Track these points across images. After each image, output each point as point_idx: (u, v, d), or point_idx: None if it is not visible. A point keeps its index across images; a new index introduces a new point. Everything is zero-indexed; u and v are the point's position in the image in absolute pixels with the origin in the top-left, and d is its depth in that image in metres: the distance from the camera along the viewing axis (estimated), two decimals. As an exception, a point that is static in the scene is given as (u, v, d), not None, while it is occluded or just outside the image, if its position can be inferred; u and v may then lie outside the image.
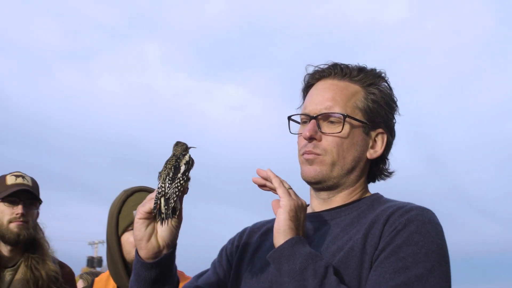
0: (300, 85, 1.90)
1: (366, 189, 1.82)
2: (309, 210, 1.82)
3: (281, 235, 1.58)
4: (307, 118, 1.77)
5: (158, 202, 1.59)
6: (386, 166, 1.84)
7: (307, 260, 1.52)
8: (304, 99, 1.86)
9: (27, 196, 3.21)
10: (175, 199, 1.58)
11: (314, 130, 1.73)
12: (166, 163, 1.65)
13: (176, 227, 1.63)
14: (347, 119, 1.72)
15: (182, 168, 1.62)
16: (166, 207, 1.58)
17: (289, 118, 1.83)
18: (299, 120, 1.83)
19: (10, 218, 3.15)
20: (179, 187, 1.59)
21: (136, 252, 1.64)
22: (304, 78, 1.87)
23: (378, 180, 1.86)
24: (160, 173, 1.64)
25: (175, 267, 1.69)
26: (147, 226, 1.61)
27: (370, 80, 1.79)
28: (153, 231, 1.61)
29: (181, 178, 1.61)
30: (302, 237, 1.60)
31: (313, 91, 1.81)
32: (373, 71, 1.82)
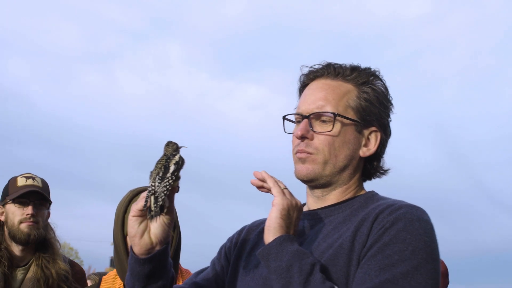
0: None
1: (360, 187, 1.84)
2: (305, 208, 1.85)
3: (271, 233, 1.62)
4: (300, 117, 1.80)
5: (148, 200, 1.65)
6: (381, 164, 1.86)
7: (294, 257, 1.56)
8: (299, 100, 1.89)
9: (37, 197, 3.29)
10: (163, 197, 1.63)
11: (306, 129, 1.76)
12: (156, 163, 1.70)
13: (168, 224, 1.68)
14: (338, 117, 1.75)
15: (172, 167, 1.67)
16: (155, 205, 1.64)
17: (284, 117, 1.86)
18: (294, 120, 1.87)
19: (21, 219, 3.24)
20: (168, 186, 1.64)
21: (131, 248, 1.69)
22: (300, 78, 1.90)
23: (374, 178, 1.88)
24: (151, 172, 1.69)
25: (170, 263, 1.73)
26: (140, 223, 1.66)
27: (363, 79, 1.81)
28: (146, 228, 1.66)
29: (169, 178, 1.65)
30: (292, 235, 1.63)
31: (306, 91, 1.84)
32: (366, 70, 1.84)
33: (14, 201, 3.26)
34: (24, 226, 3.23)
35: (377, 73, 1.85)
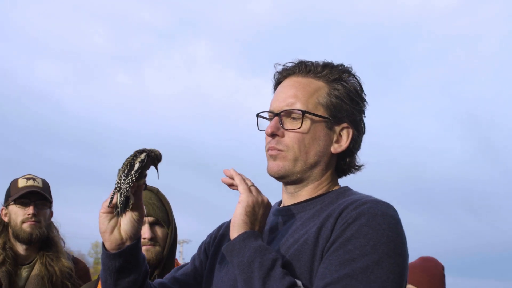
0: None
1: (334, 183, 1.85)
2: (282, 205, 1.89)
3: (235, 229, 1.66)
4: (272, 115, 1.83)
5: (114, 197, 1.71)
6: (355, 160, 1.87)
7: (255, 253, 1.59)
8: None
9: (38, 197, 3.39)
10: (125, 193, 1.69)
11: (276, 126, 1.78)
12: (124, 161, 1.75)
13: (137, 221, 1.74)
14: (307, 115, 1.76)
15: (136, 165, 1.72)
16: (120, 202, 1.70)
17: (258, 115, 1.89)
18: (267, 117, 1.89)
19: (23, 219, 3.35)
20: (130, 183, 1.70)
21: (102, 243, 1.75)
22: (274, 76, 1.92)
23: (348, 174, 1.89)
24: (118, 170, 1.75)
25: (143, 258, 1.78)
26: (110, 219, 1.72)
27: (335, 75, 1.82)
28: (116, 224, 1.72)
29: (133, 175, 1.71)
30: (256, 232, 1.66)
31: (278, 88, 1.86)
32: (338, 66, 1.85)
33: (16, 201, 3.37)
34: (26, 226, 3.34)
35: (350, 69, 1.85)
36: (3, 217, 3.44)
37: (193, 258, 2.01)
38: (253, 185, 1.73)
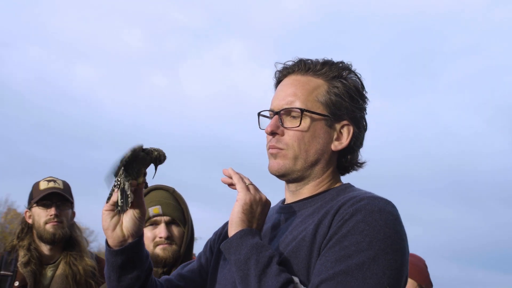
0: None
1: (335, 180, 1.85)
2: (285, 202, 1.90)
3: (233, 227, 1.68)
4: (273, 113, 1.83)
5: (114, 196, 1.75)
6: (356, 157, 1.86)
7: (252, 250, 1.60)
8: None
9: (59, 198, 3.49)
10: (128, 193, 1.73)
11: (276, 125, 1.79)
12: (121, 161, 1.76)
13: (138, 218, 1.77)
14: (306, 113, 1.76)
15: (136, 164, 1.75)
16: (121, 200, 1.74)
17: (259, 114, 1.90)
18: (269, 116, 1.90)
19: (46, 220, 3.45)
20: (129, 182, 1.74)
21: (106, 240, 1.79)
22: (275, 74, 1.93)
23: (350, 171, 1.89)
24: (116, 168, 1.76)
25: (146, 255, 1.81)
26: (112, 217, 1.77)
27: (334, 73, 1.82)
28: (118, 222, 1.77)
29: (133, 174, 1.75)
30: (254, 229, 1.68)
31: (278, 87, 1.87)
32: (338, 64, 1.84)
33: (38, 203, 3.47)
34: (49, 226, 3.44)
35: (350, 66, 1.85)
36: (27, 219, 3.55)
37: (199, 256, 2.04)
38: (251, 184, 1.74)
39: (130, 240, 1.77)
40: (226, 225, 2.03)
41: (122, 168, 1.73)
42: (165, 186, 3.04)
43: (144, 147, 1.79)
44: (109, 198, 1.76)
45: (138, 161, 1.75)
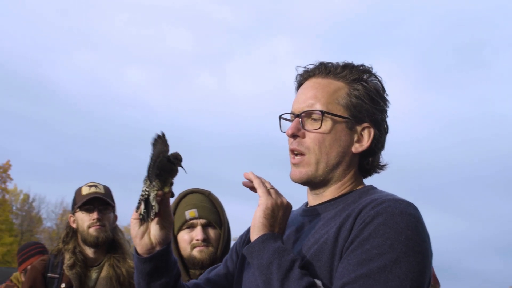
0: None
1: (358, 182, 1.85)
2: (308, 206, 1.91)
3: (255, 231, 1.70)
4: (294, 116, 1.84)
5: (140, 205, 1.78)
6: (378, 159, 1.86)
7: (274, 254, 1.61)
8: None
9: (100, 202, 3.61)
10: (153, 204, 1.76)
11: (297, 127, 1.80)
12: (150, 168, 1.77)
13: (166, 227, 1.80)
14: (327, 115, 1.77)
15: (162, 174, 1.76)
16: (144, 210, 1.76)
17: (280, 117, 1.91)
18: (290, 119, 1.91)
19: (89, 224, 3.57)
20: (156, 192, 1.75)
21: (134, 248, 1.83)
22: (296, 78, 1.94)
23: (372, 174, 1.89)
24: (145, 177, 1.78)
25: (173, 261, 1.84)
26: (140, 225, 1.80)
27: (354, 76, 1.82)
28: (146, 230, 1.80)
29: (158, 184, 1.75)
30: (276, 233, 1.69)
31: (299, 90, 1.89)
32: (358, 67, 1.85)
33: (81, 208, 3.59)
34: (92, 230, 3.56)
35: (370, 69, 1.85)
36: (71, 224, 3.68)
37: (226, 260, 2.06)
38: (272, 188, 1.75)
39: (158, 248, 1.79)
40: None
41: (149, 177, 1.76)
42: (201, 189, 3.10)
43: (169, 154, 1.79)
44: (137, 207, 1.79)
45: (166, 171, 1.76)
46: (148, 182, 1.77)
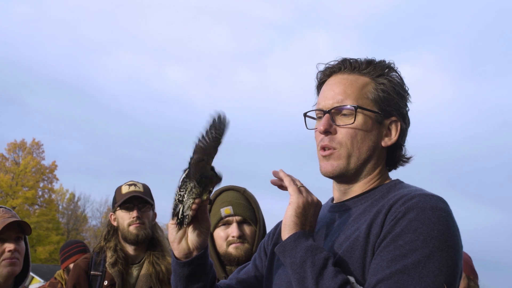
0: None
1: (385, 176, 1.86)
2: (334, 201, 1.91)
3: (286, 230, 1.70)
4: (321, 113, 1.84)
5: (176, 209, 1.79)
6: (403, 152, 1.87)
7: (307, 253, 1.62)
8: (318, 96, 1.93)
9: (140, 201, 3.68)
10: (189, 213, 1.76)
11: (329, 123, 1.80)
12: (187, 174, 1.76)
13: (204, 232, 1.82)
14: (359, 110, 1.78)
15: (199, 184, 1.75)
16: (181, 215, 1.78)
17: (305, 114, 1.92)
18: (314, 116, 1.91)
19: (129, 222, 3.66)
20: (194, 198, 1.75)
21: (172, 251, 1.87)
22: (317, 75, 1.95)
23: (397, 167, 1.90)
24: (182, 181, 1.77)
25: (210, 265, 1.87)
26: (178, 230, 1.82)
27: (379, 71, 1.84)
28: (184, 235, 1.82)
29: (196, 193, 1.75)
30: (308, 231, 1.69)
31: (324, 87, 1.88)
32: (381, 62, 1.86)
33: (121, 207, 3.68)
34: (132, 228, 3.65)
35: (392, 65, 1.87)
36: (112, 222, 3.77)
37: (254, 258, 2.07)
38: (303, 186, 1.76)
39: (195, 253, 1.82)
40: (278, 225, 2.06)
41: (191, 185, 1.75)
42: (236, 186, 3.13)
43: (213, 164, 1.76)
44: (173, 213, 1.80)
45: (207, 178, 1.75)
46: (188, 185, 1.76)
